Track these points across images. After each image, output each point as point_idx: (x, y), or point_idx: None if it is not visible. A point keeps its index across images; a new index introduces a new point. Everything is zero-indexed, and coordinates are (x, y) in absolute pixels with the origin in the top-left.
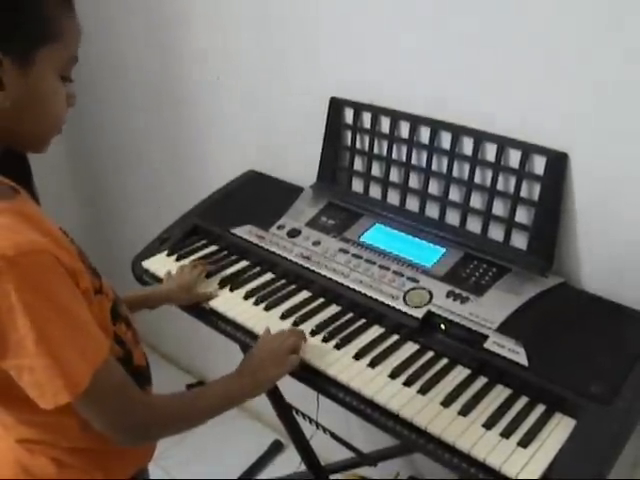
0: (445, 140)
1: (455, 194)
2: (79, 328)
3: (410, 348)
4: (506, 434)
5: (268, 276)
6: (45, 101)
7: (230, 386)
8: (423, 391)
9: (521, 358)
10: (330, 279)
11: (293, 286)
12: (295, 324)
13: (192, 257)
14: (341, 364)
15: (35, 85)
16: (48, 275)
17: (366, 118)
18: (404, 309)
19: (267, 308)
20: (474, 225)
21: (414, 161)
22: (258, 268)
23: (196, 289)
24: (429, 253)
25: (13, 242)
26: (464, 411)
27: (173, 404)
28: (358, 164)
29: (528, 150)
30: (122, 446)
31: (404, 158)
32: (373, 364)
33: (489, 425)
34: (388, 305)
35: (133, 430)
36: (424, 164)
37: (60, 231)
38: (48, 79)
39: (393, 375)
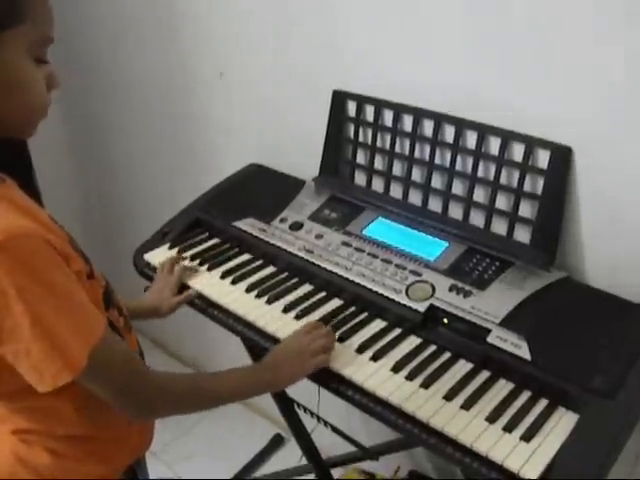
0: (448, 133)
1: (458, 188)
2: (73, 307)
3: (412, 342)
4: (509, 428)
5: (270, 269)
6: (19, 85)
7: (248, 377)
8: (425, 385)
9: (524, 352)
10: (332, 272)
11: (295, 279)
12: (297, 317)
13: (193, 250)
14: (343, 358)
15: (5, 70)
16: (39, 258)
17: (369, 111)
18: (407, 303)
19: (269, 301)
20: (477, 219)
21: (417, 154)
22: (260, 261)
23: (173, 301)
24: (432, 247)
25: (2, 227)
26: (466, 405)
27: (182, 382)
28: (361, 157)
29: (532, 144)
30: (131, 418)
31: (407, 151)
32: (375, 358)
33: (491, 419)
34: (390, 299)
35: (140, 403)
36: (427, 157)
37: (49, 217)
38: (18, 62)
39: (395, 369)
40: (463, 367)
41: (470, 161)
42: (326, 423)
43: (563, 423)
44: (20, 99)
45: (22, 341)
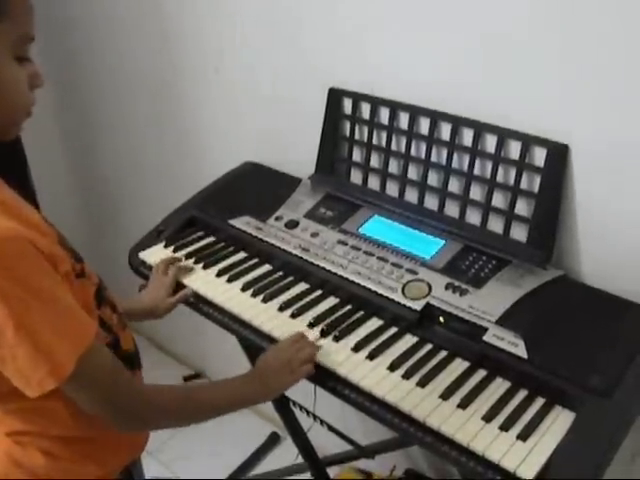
0: (445, 131)
1: (455, 186)
2: (61, 312)
3: (409, 341)
4: (505, 427)
5: (266, 268)
6: (1, 85)
7: (238, 388)
8: (422, 384)
9: (520, 351)
10: (328, 271)
11: (291, 278)
12: (293, 316)
13: (189, 249)
14: (339, 356)
15: None
16: (25, 261)
17: (365, 109)
18: (403, 301)
19: (265, 300)
20: (474, 217)
21: (413, 152)
22: (256, 260)
23: (168, 301)
24: (428, 245)
25: None
26: (463, 404)
27: (171, 394)
28: (357, 155)
29: (528, 142)
30: (118, 431)
31: (403, 149)
32: (372, 356)
33: (488, 418)
34: (387, 297)
35: (125, 415)
36: (423, 155)
37: (37, 216)
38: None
39: (392, 367)
40: (459, 366)
41: (466, 159)
42: (322, 422)
43: (560, 422)
44: (2, 99)
45: (7, 346)
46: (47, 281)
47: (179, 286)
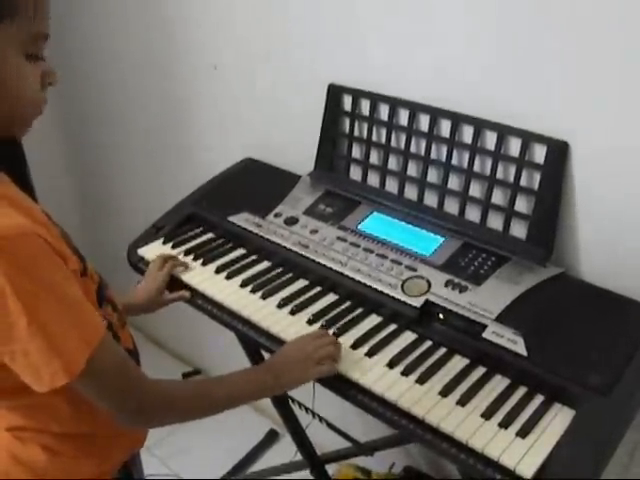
0: (445, 128)
1: (454, 183)
2: (73, 309)
3: (408, 337)
4: (504, 424)
5: (265, 264)
6: (8, 83)
7: (250, 382)
8: (421, 381)
9: (520, 348)
10: (328, 267)
11: (290, 274)
12: (292, 313)
13: (188, 245)
14: None
15: None
16: (38, 258)
17: (365, 105)
18: (402, 298)
19: (264, 296)
20: (473, 214)
21: (413, 149)
22: (255, 256)
23: (164, 296)
24: (427, 242)
25: (0, 226)
26: (462, 401)
27: (181, 389)
28: (356, 152)
29: (528, 138)
30: (128, 427)
31: (403, 146)
32: (371, 353)
33: (487, 415)
34: (386, 294)
35: (136, 410)
36: (423, 152)
37: (42, 213)
38: (8, 59)
39: (391, 364)
40: (459, 363)
41: (466, 156)
42: (321, 419)
43: (559, 419)
44: (11, 97)
45: (19, 341)
46: (59, 277)
47: (175, 282)
